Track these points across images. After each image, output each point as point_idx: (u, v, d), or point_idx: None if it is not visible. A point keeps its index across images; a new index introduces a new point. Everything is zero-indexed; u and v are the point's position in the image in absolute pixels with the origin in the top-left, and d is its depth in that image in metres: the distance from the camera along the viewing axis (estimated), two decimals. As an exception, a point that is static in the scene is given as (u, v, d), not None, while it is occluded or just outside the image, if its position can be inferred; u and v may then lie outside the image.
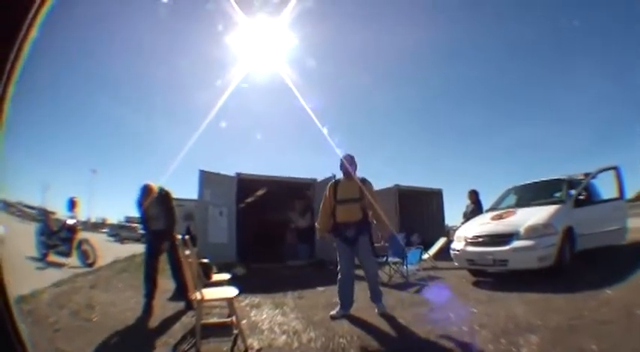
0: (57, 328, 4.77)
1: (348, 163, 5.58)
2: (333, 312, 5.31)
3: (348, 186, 5.51)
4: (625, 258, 7.65)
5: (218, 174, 12.92)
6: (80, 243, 11.28)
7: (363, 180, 5.55)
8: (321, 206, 5.78)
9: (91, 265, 10.92)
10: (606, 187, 9.19)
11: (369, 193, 5.44)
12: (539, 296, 5.49)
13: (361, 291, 5.61)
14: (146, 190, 6.23)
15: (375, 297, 5.39)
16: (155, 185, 6.33)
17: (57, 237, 11.28)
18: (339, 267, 5.50)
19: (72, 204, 11.68)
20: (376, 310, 5.28)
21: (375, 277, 5.48)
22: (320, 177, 13.83)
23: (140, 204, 6.23)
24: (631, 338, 3.54)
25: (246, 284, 6.34)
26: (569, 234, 7.01)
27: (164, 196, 6.35)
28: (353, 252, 5.39)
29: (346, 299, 5.37)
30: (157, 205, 6.24)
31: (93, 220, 60.46)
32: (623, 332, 3.68)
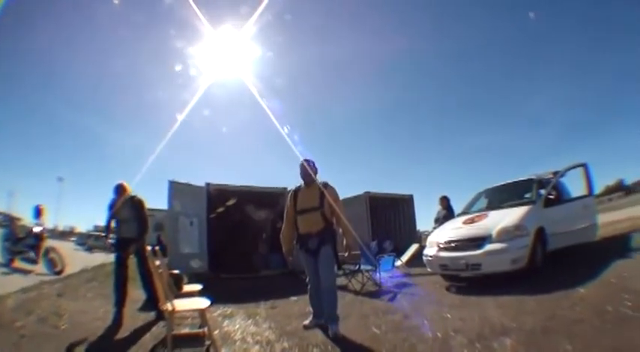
0: (23, 334, 4.67)
1: (307, 168, 5.26)
2: (306, 322, 5.17)
3: (308, 194, 5.19)
4: (596, 255, 7.71)
5: (188, 185, 12.78)
6: (47, 250, 11.09)
7: (325, 185, 5.19)
8: (284, 217, 5.47)
9: (58, 273, 10.71)
10: (575, 185, 9.34)
11: (330, 199, 5.10)
12: (513, 299, 5.48)
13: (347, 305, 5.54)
14: (120, 188, 6.25)
15: (328, 316, 4.82)
16: (129, 186, 6.27)
17: (23, 243, 11.14)
18: (307, 280, 5.27)
19: (38, 212, 11.52)
20: (330, 334, 4.64)
21: (330, 292, 4.89)
22: (291, 186, 13.73)
23: (113, 203, 6.19)
24: (604, 336, 3.54)
25: (218, 295, 6.15)
26: (540, 235, 7.02)
27: (138, 202, 6.30)
28: (316, 262, 5.01)
29: (318, 308, 5.11)
30: (129, 209, 6.19)
31: (60, 228, 59.75)
32: (596, 330, 3.68)
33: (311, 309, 5.29)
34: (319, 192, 5.11)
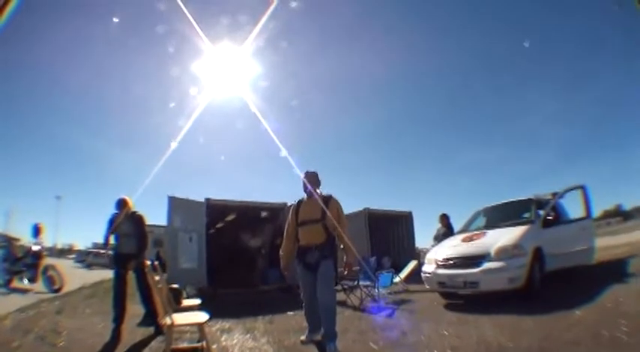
0: None
1: (310, 180, 5.20)
2: (302, 337, 5.09)
3: (311, 206, 5.10)
4: (593, 278, 7.74)
5: (187, 200, 12.77)
6: (46, 268, 11.15)
7: (328, 198, 5.12)
8: (285, 230, 5.39)
9: (57, 291, 10.76)
10: (574, 207, 9.37)
11: (333, 212, 4.98)
12: (510, 318, 5.51)
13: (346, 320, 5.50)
14: (122, 203, 6.24)
15: (327, 335, 4.68)
16: (131, 202, 6.30)
17: (22, 263, 11.15)
18: (301, 295, 5.14)
19: (37, 231, 11.57)
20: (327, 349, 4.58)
21: (329, 309, 4.73)
22: (290, 202, 13.74)
23: (114, 218, 6.18)
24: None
25: (216, 310, 6.18)
26: (538, 255, 7.03)
27: (139, 218, 6.31)
28: (314, 277, 4.86)
29: (313, 322, 5.03)
30: (130, 225, 6.18)
31: (59, 246, 59.35)
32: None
33: (307, 324, 5.19)
34: (322, 205, 5.02)
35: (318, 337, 4.95)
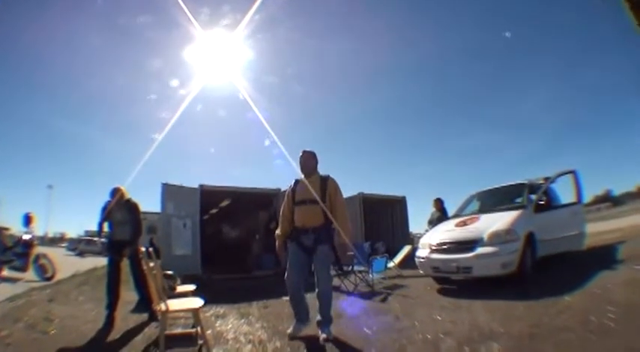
0: (8, 342, 4.59)
1: (307, 160, 4.97)
2: (290, 330, 4.73)
3: (306, 186, 4.80)
4: (582, 264, 7.79)
5: (180, 187, 12.78)
6: (37, 257, 11.15)
7: (326, 178, 4.88)
8: (281, 211, 5.14)
9: (49, 279, 10.80)
10: (564, 192, 9.43)
11: (331, 193, 4.77)
12: (502, 303, 5.55)
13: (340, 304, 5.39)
14: (115, 191, 6.22)
15: (323, 317, 4.63)
16: (126, 190, 6.31)
17: (12, 252, 11.08)
18: (286, 277, 4.76)
19: (28, 220, 11.50)
20: (321, 336, 4.49)
21: (327, 294, 4.65)
22: (284, 187, 13.74)
23: (107, 205, 6.18)
24: (587, 346, 3.60)
25: (211, 295, 6.17)
26: (530, 240, 7.08)
27: (133, 205, 6.31)
28: (309, 260, 4.72)
29: (301, 310, 4.77)
30: (124, 212, 6.19)
31: (50, 235, 59.37)
32: (580, 340, 3.73)
33: (294, 313, 4.85)
34: (320, 185, 4.81)
35: (306, 328, 4.72)
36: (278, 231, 5.05)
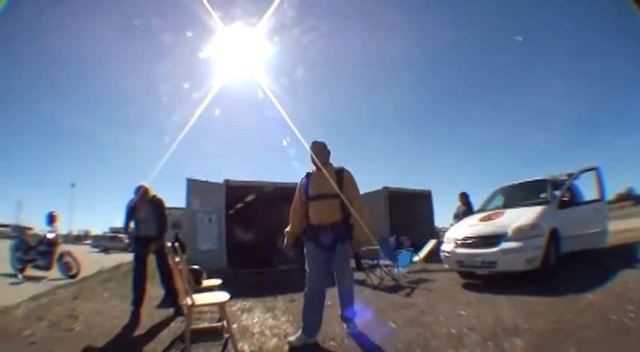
0: (32, 341, 4.58)
1: (317, 151, 4.63)
2: (292, 338, 4.35)
3: (322, 179, 4.50)
4: (604, 262, 7.72)
5: (206, 182, 12.94)
6: (61, 255, 11.24)
7: (341, 171, 4.59)
8: (292, 207, 4.83)
9: (73, 276, 10.89)
10: (586, 188, 9.34)
11: (347, 186, 4.50)
12: (526, 299, 5.53)
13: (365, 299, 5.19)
14: (141, 189, 6.31)
15: (347, 313, 4.51)
16: (150, 188, 6.40)
17: (35, 251, 11.22)
18: (307, 278, 4.45)
19: (51, 219, 11.64)
20: (347, 329, 4.50)
21: (348, 293, 4.52)
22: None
23: (131, 203, 6.28)
24: (606, 344, 3.62)
25: (237, 290, 6.13)
26: (554, 236, 7.03)
27: (158, 202, 6.40)
28: (328, 256, 4.41)
29: (312, 321, 4.35)
30: (149, 209, 6.28)
31: (75, 233, 60.56)
32: (601, 338, 3.74)
33: (302, 322, 4.41)
34: (336, 177, 4.50)
35: (312, 340, 4.31)
36: (288, 228, 4.77)
